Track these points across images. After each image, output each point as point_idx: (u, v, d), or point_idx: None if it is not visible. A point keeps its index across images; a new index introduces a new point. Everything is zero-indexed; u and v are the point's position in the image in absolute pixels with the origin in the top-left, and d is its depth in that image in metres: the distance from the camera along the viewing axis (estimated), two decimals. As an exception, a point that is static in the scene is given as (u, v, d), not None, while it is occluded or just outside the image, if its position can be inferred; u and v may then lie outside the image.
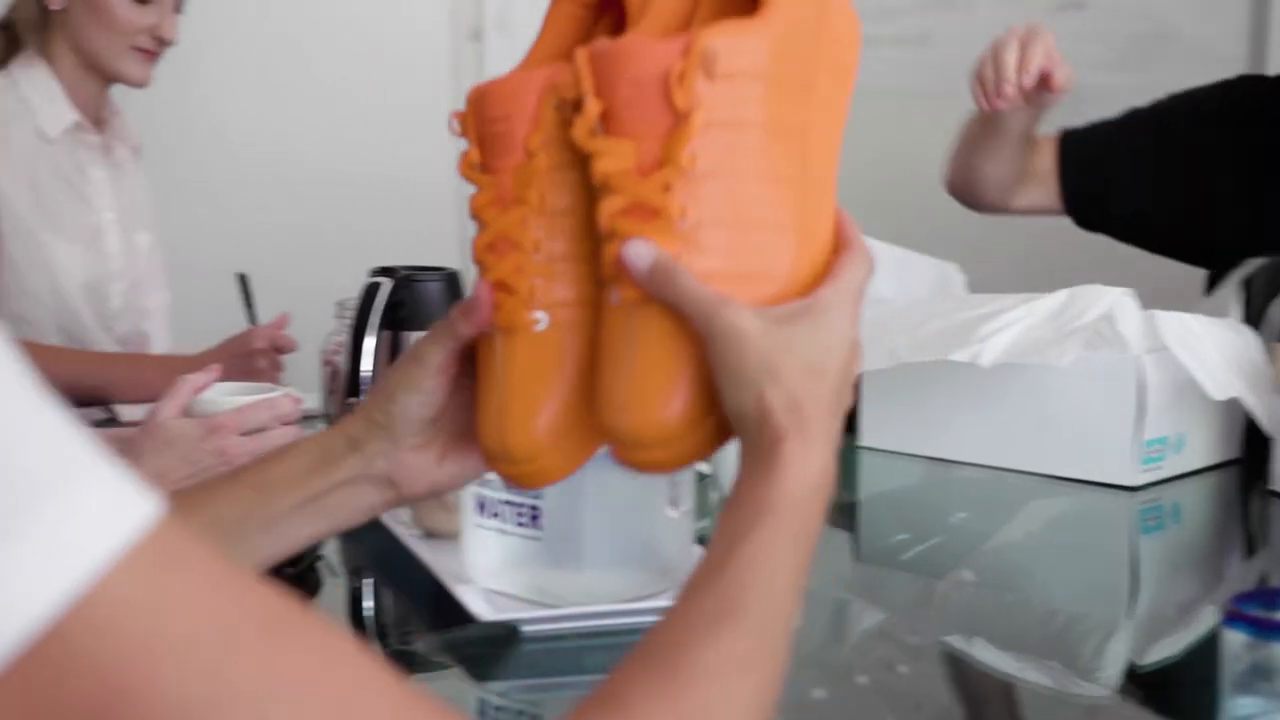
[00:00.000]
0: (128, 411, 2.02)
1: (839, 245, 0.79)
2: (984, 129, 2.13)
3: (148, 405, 1.93)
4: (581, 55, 0.76)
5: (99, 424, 1.93)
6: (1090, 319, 1.63)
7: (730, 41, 0.74)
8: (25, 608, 0.43)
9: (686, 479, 1.19)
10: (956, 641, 1.24)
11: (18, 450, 0.45)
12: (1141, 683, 1.19)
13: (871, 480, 1.82)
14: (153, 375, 1.99)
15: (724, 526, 0.72)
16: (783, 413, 0.72)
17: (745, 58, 0.74)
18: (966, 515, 1.68)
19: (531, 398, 0.82)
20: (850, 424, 1.90)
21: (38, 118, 2.19)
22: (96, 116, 2.28)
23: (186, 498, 0.85)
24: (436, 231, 3.32)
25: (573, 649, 1.14)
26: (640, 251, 0.74)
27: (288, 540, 0.87)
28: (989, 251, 2.49)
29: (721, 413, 0.75)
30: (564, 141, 0.79)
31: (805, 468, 0.72)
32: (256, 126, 3.27)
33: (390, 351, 1.59)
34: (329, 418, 1.81)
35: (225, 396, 1.51)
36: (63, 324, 2.14)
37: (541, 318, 0.82)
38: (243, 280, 2.08)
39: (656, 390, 0.75)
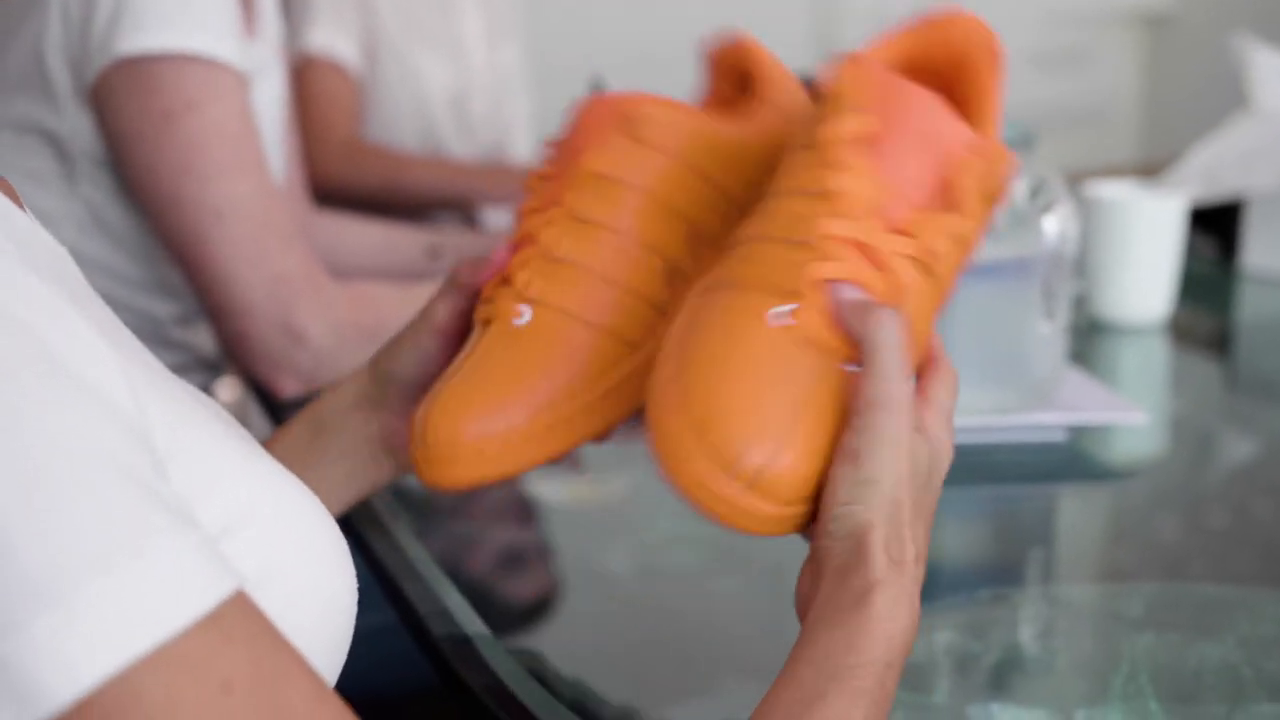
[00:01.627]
0: (492, 218, 2.08)
1: (925, 361, 0.70)
2: None
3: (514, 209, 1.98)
4: (865, 64, 0.72)
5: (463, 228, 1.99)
6: None
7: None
8: (56, 686, 0.45)
9: (1062, 291, 1.15)
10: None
11: (57, 533, 0.46)
12: None
13: (1254, 306, 1.72)
14: (514, 185, 2.03)
15: (794, 676, 0.61)
16: (881, 551, 0.62)
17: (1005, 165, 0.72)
18: (1359, 347, 1.57)
19: (472, 391, 0.76)
20: (1230, 248, 1.79)
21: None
22: (464, -73, 2.31)
23: None
24: (790, 40, 3.27)
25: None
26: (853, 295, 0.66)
27: None
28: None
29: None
30: (634, 163, 0.76)
31: (895, 627, 0.61)
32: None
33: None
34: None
35: None
36: (424, 132, 2.20)
37: (524, 312, 0.76)
38: (597, 88, 2.09)
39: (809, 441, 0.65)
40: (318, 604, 0.58)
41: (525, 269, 0.77)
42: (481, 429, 0.75)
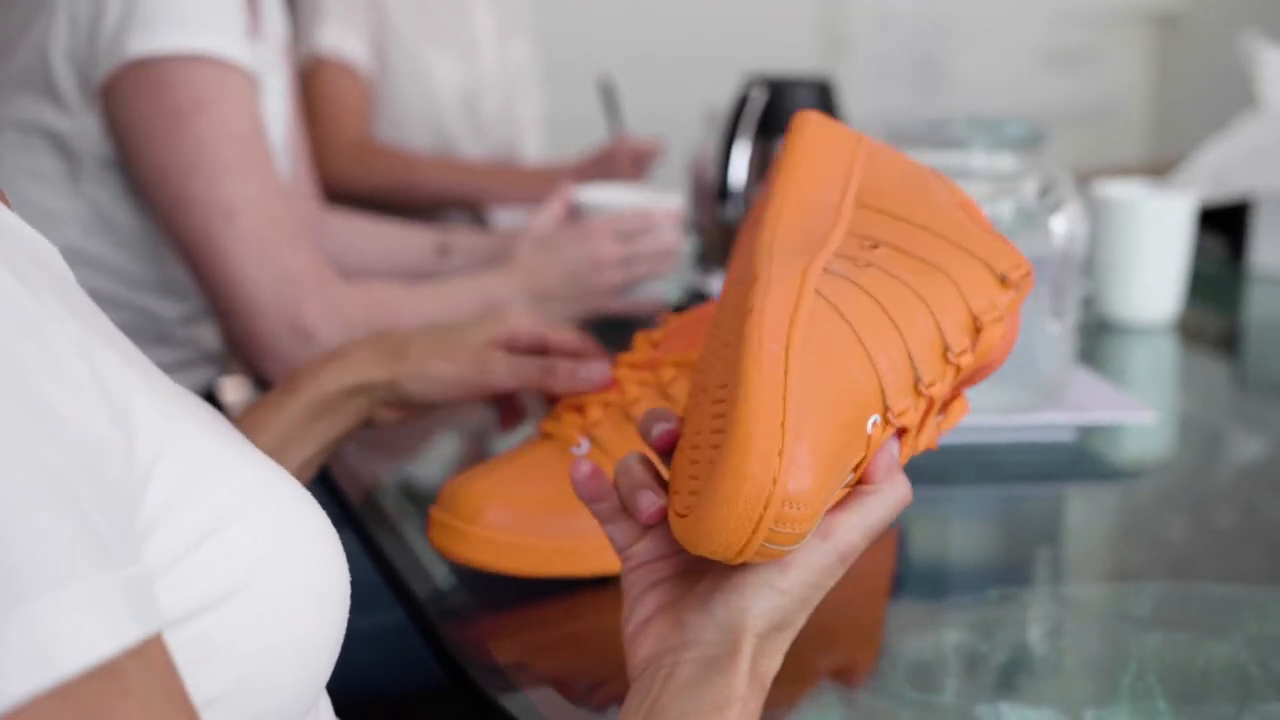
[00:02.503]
0: (501, 218, 2.08)
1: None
2: None
3: (523, 209, 1.98)
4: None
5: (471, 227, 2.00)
6: None
7: None
8: None
9: (1071, 290, 1.15)
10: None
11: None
12: None
13: (1262, 306, 1.71)
14: (523, 186, 2.04)
15: None
16: (748, 662, 0.62)
17: None
18: (1368, 346, 1.57)
19: (512, 485, 0.86)
20: (1238, 247, 1.79)
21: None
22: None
23: None
24: (797, 40, 3.27)
25: (950, 463, 1.12)
26: (894, 450, 0.64)
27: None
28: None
29: None
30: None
31: None
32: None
33: (760, 160, 1.57)
34: (697, 227, 1.82)
35: (616, 196, 1.53)
36: (435, 132, 2.21)
37: (584, 443, 0.88)
38: (606, 88, 2.08)
39: None
40: (310, 599, 0.58)
41: (601, 410, 0.89)
42: (503, 520, 0.85)
